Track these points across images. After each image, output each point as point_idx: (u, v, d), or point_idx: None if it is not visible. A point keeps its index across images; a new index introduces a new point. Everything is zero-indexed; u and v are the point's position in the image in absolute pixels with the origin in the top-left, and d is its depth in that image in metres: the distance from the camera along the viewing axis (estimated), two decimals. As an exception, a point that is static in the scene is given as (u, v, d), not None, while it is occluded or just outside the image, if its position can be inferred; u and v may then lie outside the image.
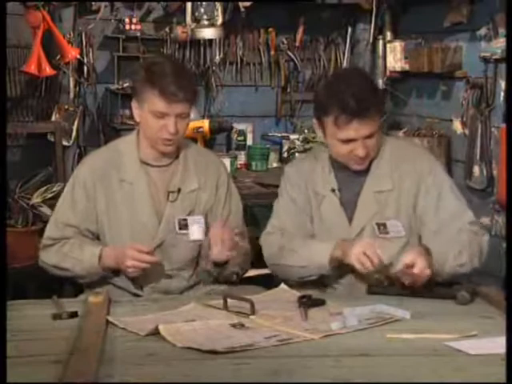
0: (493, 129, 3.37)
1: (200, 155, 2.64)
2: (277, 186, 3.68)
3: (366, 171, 2.49)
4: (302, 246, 2.46)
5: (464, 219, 2.45)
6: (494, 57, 3.23)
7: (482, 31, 3.35)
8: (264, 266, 2.74)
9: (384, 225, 2.45)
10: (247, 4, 3.99)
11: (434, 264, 2.28)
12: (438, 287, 2.36)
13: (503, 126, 3.19)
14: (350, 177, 2.50)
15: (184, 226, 2.50)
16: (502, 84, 3.25)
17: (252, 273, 2.81)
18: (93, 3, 3.85)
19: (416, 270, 2.21)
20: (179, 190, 2.52)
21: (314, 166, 2.57)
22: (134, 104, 2.52)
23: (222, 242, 2.39)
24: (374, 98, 2.41)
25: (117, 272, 2.47)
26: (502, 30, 3.23)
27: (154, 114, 2.43)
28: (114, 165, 2.54)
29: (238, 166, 4.16)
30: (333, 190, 2.50)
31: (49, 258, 2.54)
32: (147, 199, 2.51)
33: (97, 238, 2.56)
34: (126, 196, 2.52)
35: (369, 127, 2.37)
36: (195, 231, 2.45)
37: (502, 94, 3.26)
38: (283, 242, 2.50)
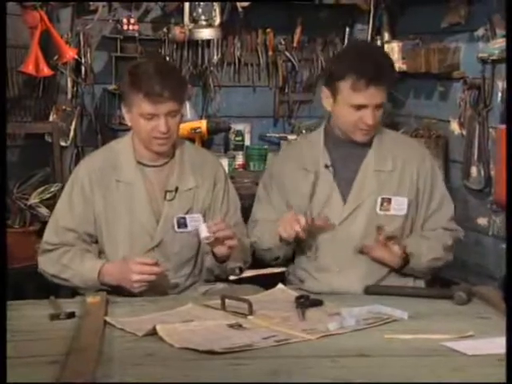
0: (490, 129, 3.37)
1: (196, 154, 2.65)
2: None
3: (365, 150, 2.54)
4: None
5: (447, 213, 2.59)
6: (491, 57, 3.24)
7: (480, 32, 3.35)
8: (263, 266, 2.75)
9: (389, 200, 2.49)
10: (245, 4, 3.99)
11: (412, 255, 2.44)
12: (435, 287, 2.38)
13: (501, 126, 3.19)
14: (347, 154, 2.54)
15: (182, 224, 2.51)
16: (500, 85, 3.26)
17: (251, 273, 2.82)
18: (91, 3, 3.84)
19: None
20: (176, 189, 2.53)
21: (302, 145, 2.66)
22: (123, 108, 2.53)
23: (221, 237, 2.40)
24: (389, 67, 2.51)
25: (115, 287, 2.43)
26: (499, 31, 3.23)
27: (142, 116, 2.44)
28: (111, 166, 2.54)
29: (236, 167, 4.16)
30: (326, 167, 2.54)
31: (48, 266, 2.53)
32: (145, 199, 2.52)
33: (95, 241, 2.55)
34: (123, 196, 2.52)
35: (381, 95, 2.45)
36: (203, 230, 2.41)
37: (500, 94, 3.26)
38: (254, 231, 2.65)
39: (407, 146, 2.65)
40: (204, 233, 2.40)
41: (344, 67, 2.45)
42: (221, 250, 2.44)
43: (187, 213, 2.53)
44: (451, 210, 2.61)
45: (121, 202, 2.52)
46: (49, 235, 2.56)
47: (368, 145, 2.55)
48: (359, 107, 2.44)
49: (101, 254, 2.55)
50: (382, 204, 2.50)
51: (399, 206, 2.51)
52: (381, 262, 2.49)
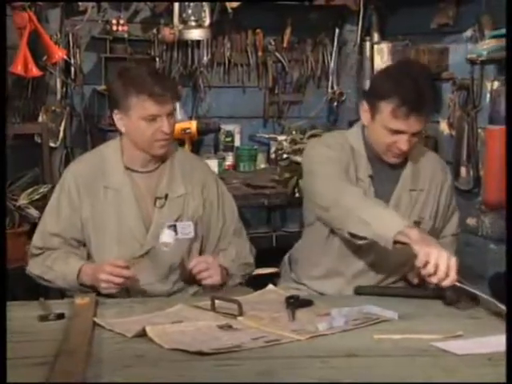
0: (479, 130, 3.39)
1: (186, 160, 2.61)
2: (264, 187, 3.74)
3: (400, 167, 2.51)
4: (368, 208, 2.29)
5: (457, 221, 2.65)
6: (480, 58, 3.25)
7: (468, 33, 3.37)
8: (259, 265, 2.74)
9: (419, 223, 2.47)
10: (235, 5, 3.98)
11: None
12: (425, 288, 2.38)
13: (489, 127, 3.20)
14: (384, 169, 2.49)
15: (172, 229, 2.48)
16: (489, 85, 3.27)
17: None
18: (80, 4, 3.83)
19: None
20: (166, 196, 2.50)
21: (347, 150, 2.51)
22: (116, 116, 2.46)
23: (211, 271, 2.40)
24: (433, 96, 2.42)
25: (94, 288, 2.39)
26: (487, 32, 3.25)
27: (145, 119, 2.40)
28: (99, 172, 2.51)
29: (226, 167, 4.16)
30: (371, 177, 2.48)
31: (34, 269, 2.53)
32: (133, 206, 2.49)
33: (83, 244, 2.54)
34: (111, 203, 2.49)
35: (421, 124, 2.39)
36: (166, 235, 2.42)
37: (488, 95, 3.28)
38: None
39: (432, 161, 2.61)
40: (164, 238, 2.40)
41: (388, 88, 2.36)
42: (207, 283, 2.42)
43: (177, 220, 2.50)
44: (458, 217, 2.67)
45: (109, 209, 2.49)
46: (36, 240, 2.56)
47: (403, 163, 2.51)
48: (396, 132, 2.38)
49: (89, 258, 2.53)
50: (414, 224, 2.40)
51: (424, 226, 2.49)
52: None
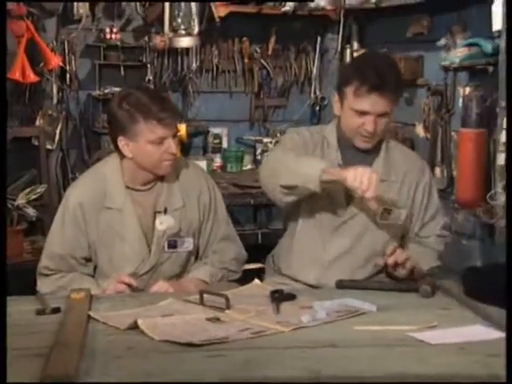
0: (452, 133, 3.40)
1: (181, 169, 2.53)
2: (250, 187, 3.73)
3: (372, 157, 2.50)
4: (296, 158, 2.35)
5: (440, 221, 2.58)
6: (452, 65, 3.26)
7: (442, 42, 3.37)
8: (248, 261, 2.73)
9: (389, 211, 2.46)
10: (222, 14, 3.98)
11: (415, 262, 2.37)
12: (401, 282, 2.39)
13: (462, 130, 3.21)
14: (357, 158, 2.46)
15: (173, 245, 2.46)
16: (461, 91, 3.28)
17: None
18: (75, 13, 3.82)
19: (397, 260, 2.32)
20: (165, 210, 2.47)
21: (318, 139, 2.53)
22: (121, 142, 2.38)
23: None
24: (394, 77, 2.42)
25: None
26: (459, 41, 3.26)
27: (153, 143, 2.35)
28: (101, 193, 2.45)
29: (214, 168, 4.16)
30: (339, 165, 2.45)
31: (43, 287, 2.47)
32: (135, 224, 2.45)
33: (90, 259, 2.50)
34: (114, 222, 2.44)
35: (384, 104, 2.38)
36: (163, 224, 2.45)
37: (461, 100, 3.28)
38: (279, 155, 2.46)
39: (409, 158, 2.60)
40: (162, 227, 2.43)
41: (349, 73, 2.42)
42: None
43: (177, 232, 2.48)
44: (442, 220, 2.61)
45: (112, 229, 2.44)
46: (45, 261, 2.49)
47: (376, 153, 2.50)
48: (362, 113, 2.38)
49: (96, 269, 2.51)
50: (382, 213, 2.45)
51: (397, 216, 2.48)
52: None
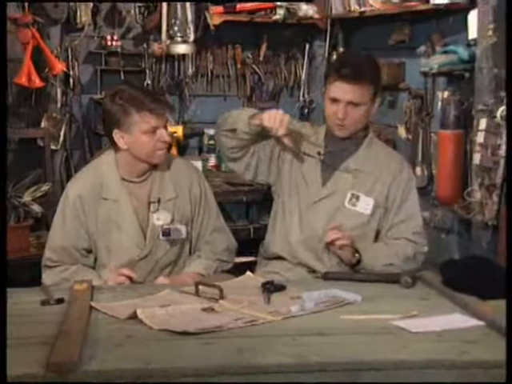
0: (432, 134, 3.40)
1: (172, 164, 2.55)
2: (243, 185, 3.73)
3: (354, 149, 2.51)
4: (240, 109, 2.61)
5: (413, 226, 2.50)
6: (432, 71, 3.26)
7: (422, 49, 3.37)
8: (238, 255, 2.73)
9: (358, 197, 2.46)
10: (217, 23, 3.98)
11: (364, 257, 2.39)
12: (384, 273, 2.39)
13: (441, 131, 3.22)
14: (339, 146, 2.50)
15: (167, 233, 2.46)
16: (440, 95, 3.28)
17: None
18: (78, 22, 3.80)
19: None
20: (159, 200, 2.47)
21: (311, 131, 2.58)
22: (116, 135, 2.40)
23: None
24: (367, 70, 2.44)
25: None
26: (438, 48, 3.26)
27: (146, 133, 2.38)
28: (98, 186, 2.46)
29: (209, 167, 4.15)
30: (318, 153, 2.51)
31: (48, 280, 2.46)
32: (131, 214, 2.46)
33: (90, 250, 2.50)
34: (112, 213, 2.45)
35: (354, 94, 2.39)
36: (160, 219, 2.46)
37: (440, 103, 3.29)
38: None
39: (390, 156, 2.57)
40: (159, 221, 2.46)
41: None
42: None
43: (170, 221, 2.48)
44: (418, 226, 2.51)
45: (110, 219, 2.45)
46: (48, 253, 2.49)
47: (358, 145, 2.51)
48: (334, 101, 2.41)
49: (96, 261, 2.51)
50: (350, 199, 2.47)
51: (366, 205, 2.47)
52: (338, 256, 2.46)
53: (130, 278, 2.38)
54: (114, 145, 2.45)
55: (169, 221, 2.48)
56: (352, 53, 2.68)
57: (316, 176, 2.51)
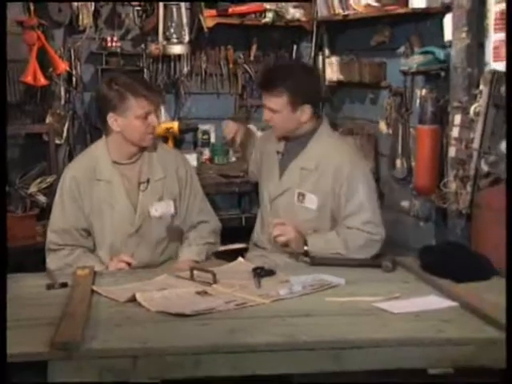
0: (411, 129, 3.39)
1: (160, 148, 2.57)
2: (236, 177, 3.72)
3: (302, 147, 2.55)
4: None
5: (363, 217, 2.45)
6: (410, 70, 3.24)
7: (401, 50, 3.36)
8: (231, 242, 2.75)
9: (303, 195, 2.51)
10: (210, 25, 3.95)
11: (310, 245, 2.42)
12: (366, 258, 2.39)
13: (419, 126, 3.20)
14: (293, 147, 2.58)
15: (155, 210, 2.47)
16: (418, 92, 3.26)
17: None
18: (80, 24, 3.77)
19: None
20: (148, 180, 2.48)
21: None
22: (111, 119, 2.40)
23: None
24: (279, 80, 2.48)
25: None
26: (416, 49, 3.25)
27: (139, 117, 2.39)
28: (92, 169, 2.47)
29: (203, 160, 4.13)
30: (277, 152, 2.62)
31: (52, 264, 2.45)
32: (122, 193, 2.46)
33: (89, 233, 2.49)
34: (105, 193, 2.45)
35: (269, 102, 2.50)
36: (156, 210, 2.47)
37: (418, 100, 3.27)
38: None
39: (336, 151, 2.52)
40: (157, 213, 2.46)
41: None
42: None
43: (159, 200, 2.49)
44: (368, 216, 2.44)
45: (103, 198, 2.45)
46: (51, 236, 2.48)
47: (304, 144, 2.55)
48: (264, 106, 2.54)
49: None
50: (298, 197, 2.52)
51: (311, 201, 2.50)
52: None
53: (129, 264, 2.37)
54: (106, 129, 2.46)
55: (158, 196, 2.48)
56: (279, 63, 2.86)
57: (275, 174, 2.60)
